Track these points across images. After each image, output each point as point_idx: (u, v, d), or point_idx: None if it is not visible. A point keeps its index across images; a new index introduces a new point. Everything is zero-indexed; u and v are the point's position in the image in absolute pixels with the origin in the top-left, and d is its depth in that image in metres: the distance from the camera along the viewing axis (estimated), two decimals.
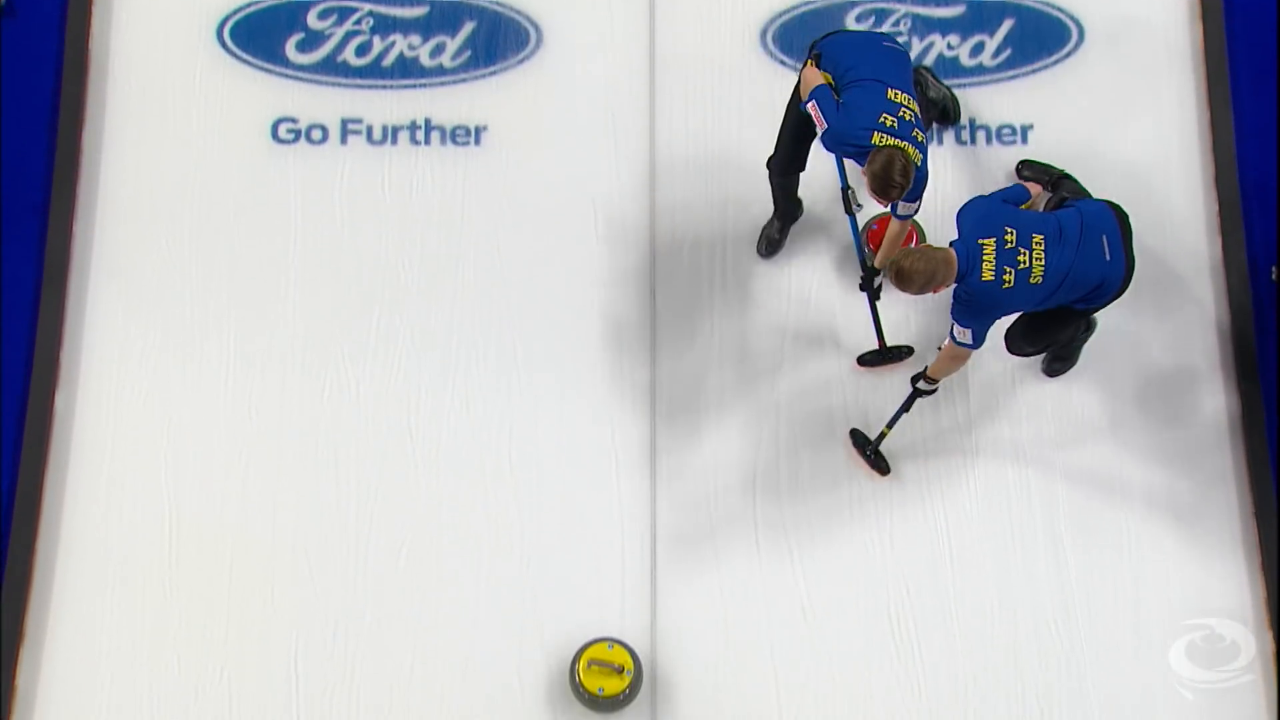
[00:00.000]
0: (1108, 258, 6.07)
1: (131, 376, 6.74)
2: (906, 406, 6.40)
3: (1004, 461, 6.54)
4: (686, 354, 6.71)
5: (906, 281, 5.89)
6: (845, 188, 6.50)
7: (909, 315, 6.70)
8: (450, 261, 6.87)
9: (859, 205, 6.50)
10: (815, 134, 6.29)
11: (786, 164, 6.57)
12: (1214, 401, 6.62)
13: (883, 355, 6.64)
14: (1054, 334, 6.34)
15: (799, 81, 6.33)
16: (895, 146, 6.00)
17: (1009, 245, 5.96)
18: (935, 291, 5.95)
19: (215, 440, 6.64)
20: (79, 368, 6.74)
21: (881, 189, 6.00)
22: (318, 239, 6.91)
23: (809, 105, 6.19)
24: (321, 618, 6.35)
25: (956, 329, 6.05)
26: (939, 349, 6.26)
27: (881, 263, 6.43)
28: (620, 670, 6.15)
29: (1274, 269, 6.69)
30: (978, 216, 6.05)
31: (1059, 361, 6.62)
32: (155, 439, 6.64)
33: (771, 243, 6.79)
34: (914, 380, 6.36)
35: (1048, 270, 5.96)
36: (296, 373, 6.72)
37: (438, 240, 6.89)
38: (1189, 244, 6.81)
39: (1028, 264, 5.94)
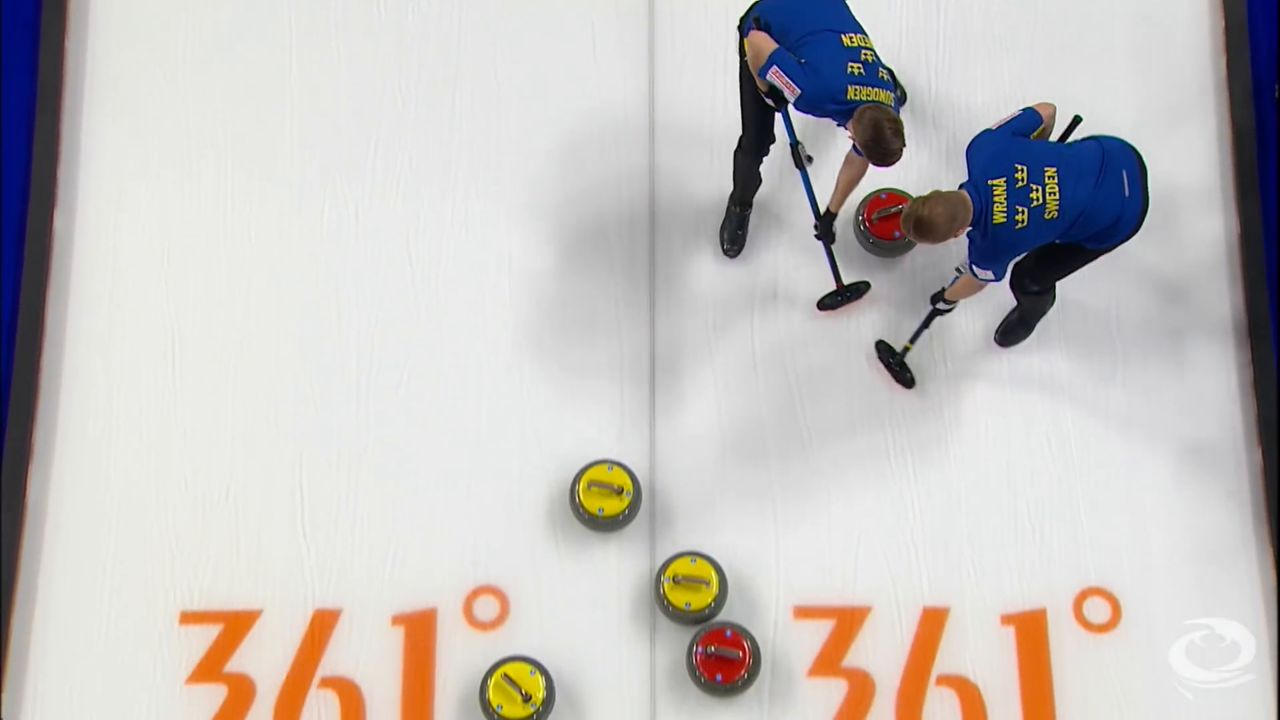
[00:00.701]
0: (1126, 194, 5.93)
1: (130, 199, 6.78)
2: (926, 324, 6.38)
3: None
4: (686, 185, 6.80)
5: (928, 230, 5.72)
6: (794, 143, 6.32)
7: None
8: (448, 88, 6.87)
9: (809, 158, 6.35)
10: (778, 105, 6.14)
11: (759, 143, 6.35)
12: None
13: (842, 295, 6.53)
14: (1059, 272, 6.19)
15: (746, 54, 6.10)
16: (873, 103, 5.83)
17: (1020, 183, 5.80)
18: (955, 236, 5.80)
19: (215, 264, 6.69)
20: (76, 189, 6.77)
21: (880, 157, 5.84)
22: (315, 62, 6.91)
23: (770, 74, 5.94)
24: (324, 439, 6.45)
25: (976, 269, 5.96)
26: (956, 271, 6.16)
27: (837, 207, 6.30)
28: (619, 491, 6.27)
29: None
30: (987, 155, 5.87)
31: (1022, 329, 6.50)
32: (155, 262, 6.70)
33: (736, 238, 6.63)
34: (933, 300, 6.32)
35: (1063, 204, 5.81)
36: (294, 199, 6.76)
37: (435, 65, 6.89)
38: None
39: (1041, 200, 5.78)
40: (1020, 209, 5.75)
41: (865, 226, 6.65)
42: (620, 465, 6.33)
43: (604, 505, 6.28)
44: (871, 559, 6.31)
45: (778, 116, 6.27)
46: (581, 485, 6.29)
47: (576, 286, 6.64)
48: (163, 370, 6.55)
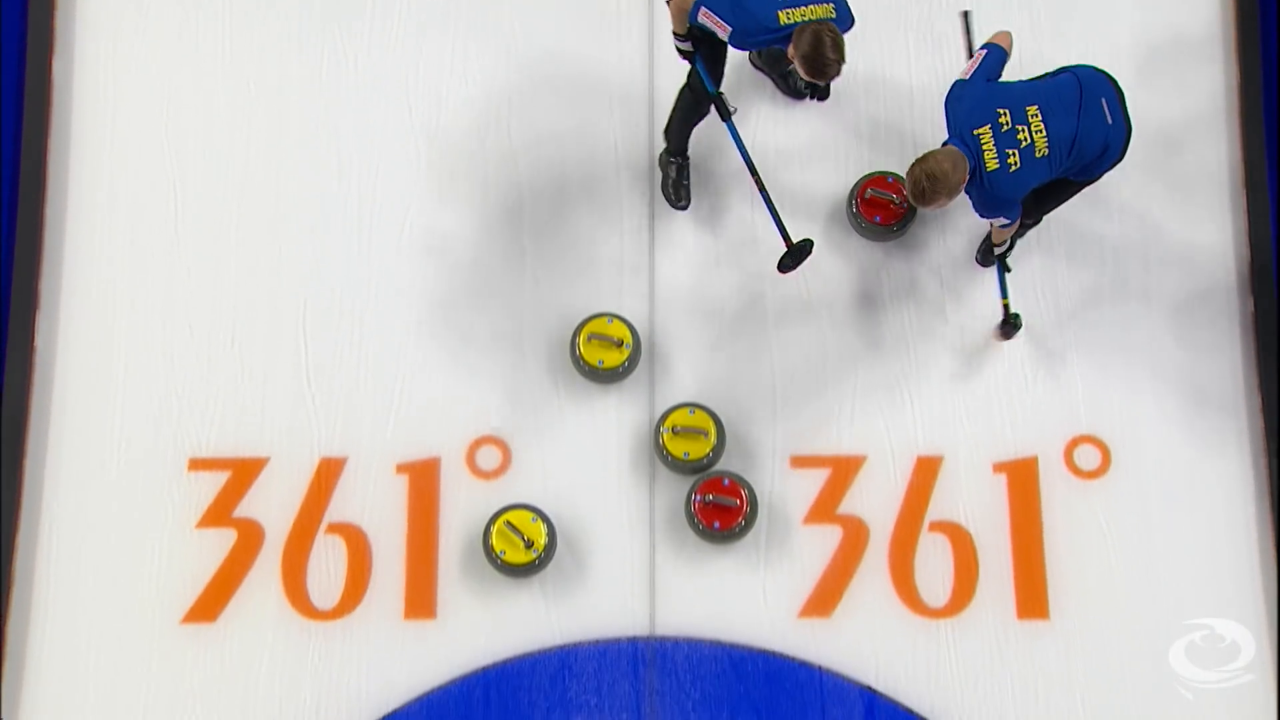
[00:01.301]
0: (1110, 121, 5.92)
1: (129, 45, 6.77)
2: (1001, 277, 6.29)
3: None
4: None
5: (940, 181, 5.70)
6: (716, 94, 6.18)
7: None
8: None
9: (733, 109, 6.21)
10: (722, 50, 6.05)
11: (704, 94, 6.21)
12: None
13: (795, 255, 6.35)
14: (1048, 206, 6.17)
15: (671, 11, 5.99)
16: (813, 20, 5.73)
17: (1006, 127, 5.79)
18: (959, 189, 5.75)
19: (216, 111, 6.71)
20: (74, 35, 6.75)
21: (818, 70, 5.75)
22: None
23: (700, 15, 5.83)
24: (327, 289, 6.52)
25: (992, 222, 6.00)
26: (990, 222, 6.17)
27: None
28: (619, 344, 6.36)
29: None
30: (967, 106, 5.84)
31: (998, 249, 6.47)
32: (156, 110, 6.71)
33: (681, 191, 6.54)
34: (992, 254, 6.27)
35: (1051, 140, 5.79)
36: (295, 44, 6.75)
37: None
38: None
39: (1029, 139, 5.77)
40: (1011, 152, 5.75)
41: (857, 208, 6.58)
42: (620, 318, 6.41)
43: (604, 357, 6.37)
44: (867, 410, 6.42)
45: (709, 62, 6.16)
46: (582, 338, 6.38)
47: (578, 140, 6.64)
48: (165, 218, 6.60)
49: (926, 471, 6.35)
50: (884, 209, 6.50)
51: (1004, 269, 6.31)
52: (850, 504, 6.34)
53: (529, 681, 6.17)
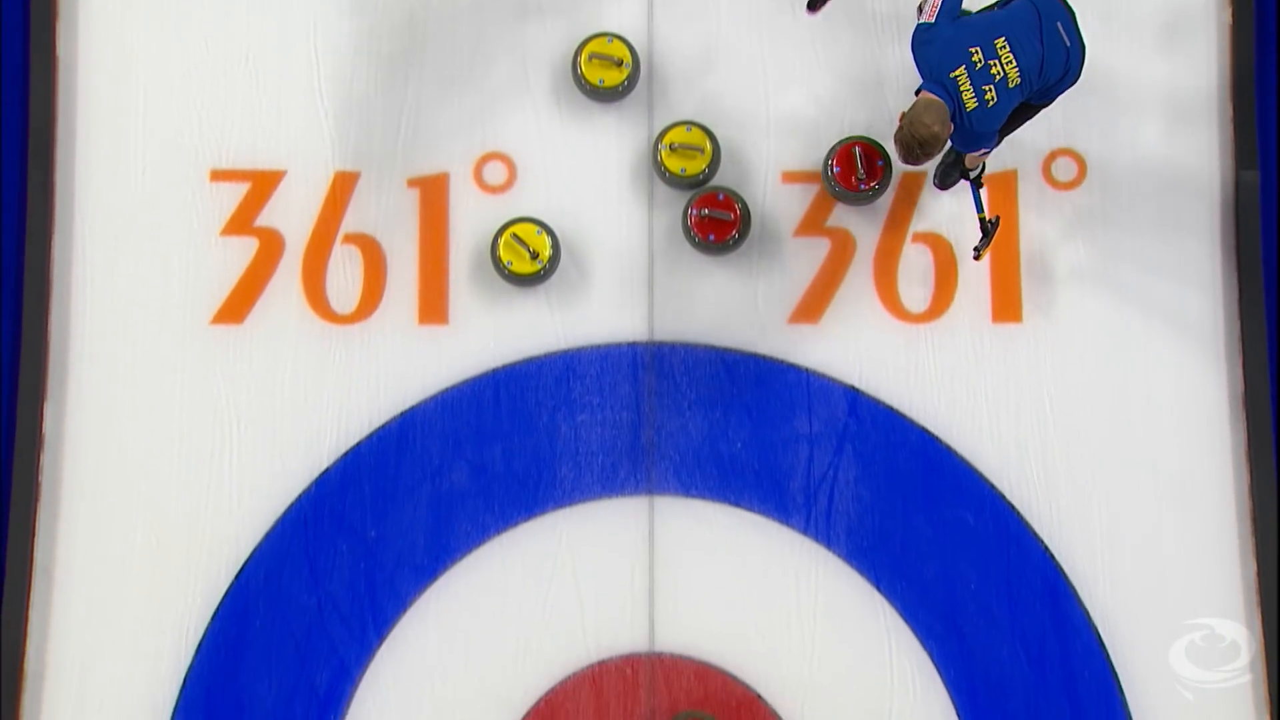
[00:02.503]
0: (1068, 44, 5.88)
1: None
2: (978, 189, 6.23)
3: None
4: None
5: (934, 143, 5.66)
6: None
7: None
8: None
9: None
10: None
11: None
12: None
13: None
14: (1008, 130, 6.04)
15: None
16: None
17: (979, 64, 5.74)
18: (947, 136, 5.73)
19: None
20: None
21: None
22: None
23: None
24: (339, 4, 6.67)
25: (971, 154, 5.98)
26: None
27: None
28: (619, 63, 6.50)
29: None
30: (939, 50, 5.76)
31: (956, 171, 6.36)
32: None
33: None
34: (950, 178, 6.29)
35: (1022, 69, 5.76)
36: None
37: None
38: None
39: (1002, 72, 5.73)
40: (987, 88, 5.71)
41: (834, 173, 6.58)
42: (619, 38, 6.55)
43: (604, 76, 6.53)
44: (855, 125, 6.58)
45: None
46: (583, 57, 6.53)
47: None
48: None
49: (910, 186, 6.57)
50: None
51: (978, 186, 6.27)
52: (837, 218, 6.57)
53: (536, 383, 6.51)
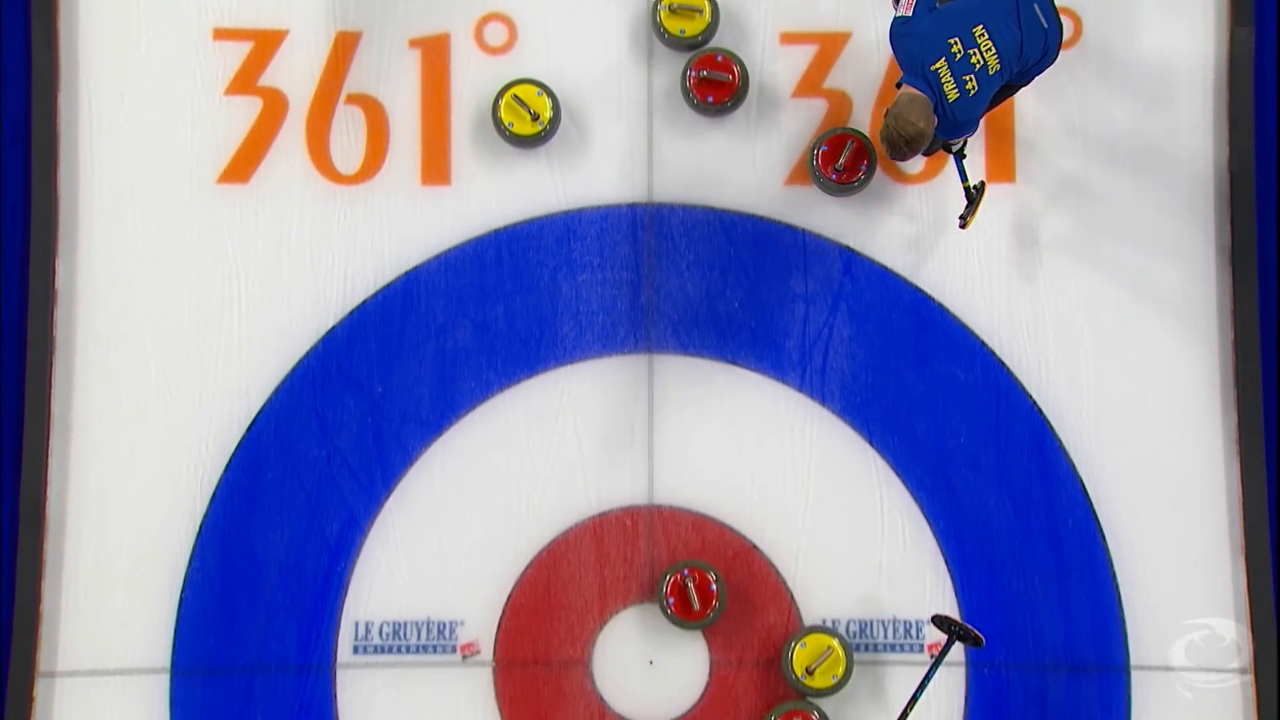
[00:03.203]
0: (1045, 25, 5.85)
1: None
2: (960, 160, 6.26)
3: None
4: None
5: (921, 139, 5.68)
6: None
7: None
8: None
9: None
10: None
11: None
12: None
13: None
14: (989, 109, 6.02)
15: None
16: None
17: (959, 55, 5.74)
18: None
19: None
20: None
21: None
22: None
23: None
24: None
25: (953, 141, 5.96)
26: None
27: None
28: None
29: None
30: (918, 43, 5.76)
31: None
32: None
33: None
34: (946, 150, 6.25)
35: (1001, 55, 5.75)
36: None
37: None
38: None
39: (982, 60, 5.73)
40: (968, 78, 5.70)
41: (817, 162, 6.58)
42: None
43: None
44: None
45: None
46: None
47: None
48: None
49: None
50: None
51: (961, 157, 6.30)
52: (835, 78, 6.63)
53: (537, 243, 6.62)
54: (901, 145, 5.75)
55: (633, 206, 6.62)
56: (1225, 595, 6.48)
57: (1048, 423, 6.55)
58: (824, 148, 6.56)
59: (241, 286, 6.61)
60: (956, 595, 6.44)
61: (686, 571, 6.36)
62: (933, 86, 5.76)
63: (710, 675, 6.44)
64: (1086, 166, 6.61)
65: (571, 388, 6.57)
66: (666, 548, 6.50)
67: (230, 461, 6.54)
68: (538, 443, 6.54)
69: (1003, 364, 6.58)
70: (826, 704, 6.33)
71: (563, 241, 6.62)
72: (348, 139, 6.64)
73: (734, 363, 6.57)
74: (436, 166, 6.64)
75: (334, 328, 6.60)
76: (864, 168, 6.54)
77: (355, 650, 6.42)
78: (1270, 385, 6.54)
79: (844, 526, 6.50)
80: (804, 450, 6.53)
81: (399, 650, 6.43)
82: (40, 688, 6.42)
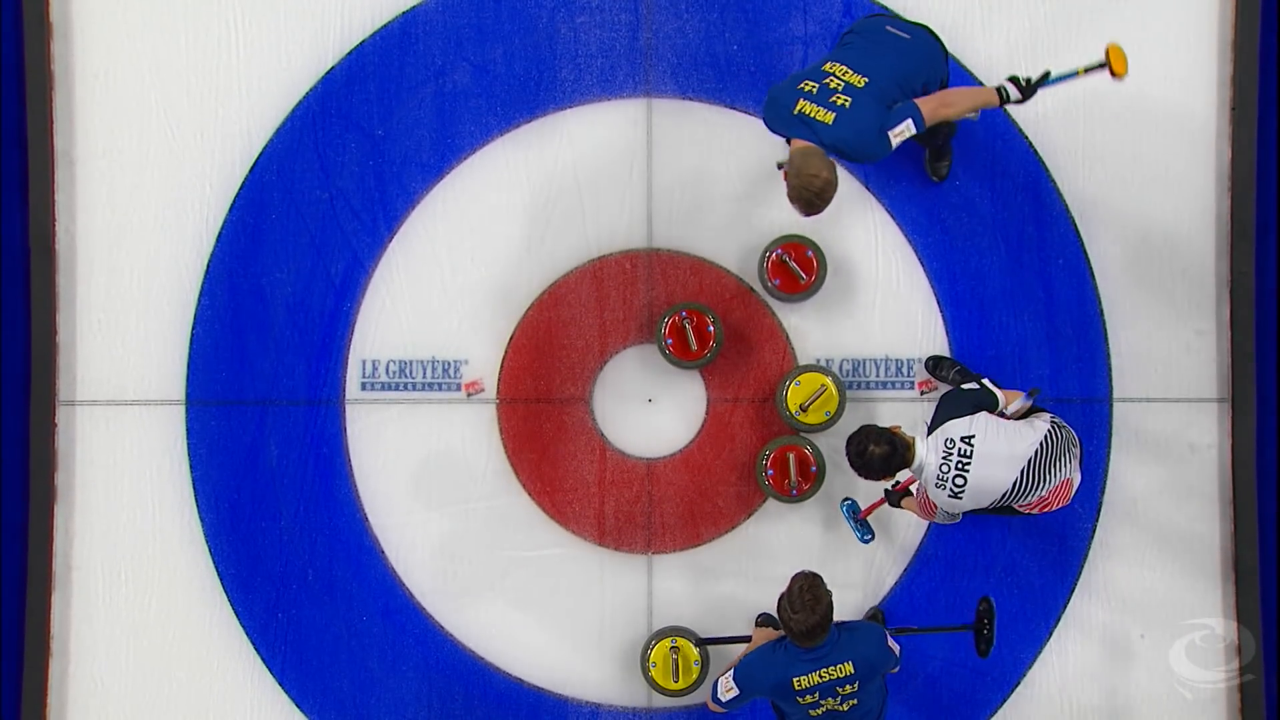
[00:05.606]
0: (908, 36, 5.79)
1: None
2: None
3: None
4: None
5: (827, 194, 5.66)
6: None
7: None
8: None
9: None
10: None
11: None
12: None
13: None
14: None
15: None
16: None
17: (815, 89, 5.70)
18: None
19: None
20: None
21: None
22: None
23: None
24: None
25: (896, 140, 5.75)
26: None
27: None
28: None
29: None
30: (778, 104, 5.72)
31: (939, 162, 6.48)
32: None
33: None
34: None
35: (864, 70, 5.69)
36: None
37: None
38: None
39: (839, 81, 5.69)
40: (834, 97, 5.66)
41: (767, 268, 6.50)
42: None
43: None
44: None
45: None
46: None
47: None
48: None
49: None
50: None
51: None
52: None
53: None
54: (814, 199, 5.75)
55: None
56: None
57: (1042, 162, 6.61)
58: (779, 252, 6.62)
59: (239, 24, 6.60)
60: (947, 333, 6.62)
61: (685, 313, 6.53)
62: (808, 125, 5.74)
63: (707, 412, 6.67)
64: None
65: (570, 131, 6.61)
66: (665, 290, 6.65)
67: (234, 201, 6.63)
68: (538, 187, 6.62)
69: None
70: (819, 439, 6.59)
71: None
72: None
73: (732, 107, 6.61)
74: None
75: (333, 68, 6.62)
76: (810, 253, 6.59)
77: (363, 387, 6.64)
78: (1269, 117, 6.62)
79: (839, 270, 6.62)
80: None
81: (405, 388, 6.64)
82: (62, 415, 6.65)
